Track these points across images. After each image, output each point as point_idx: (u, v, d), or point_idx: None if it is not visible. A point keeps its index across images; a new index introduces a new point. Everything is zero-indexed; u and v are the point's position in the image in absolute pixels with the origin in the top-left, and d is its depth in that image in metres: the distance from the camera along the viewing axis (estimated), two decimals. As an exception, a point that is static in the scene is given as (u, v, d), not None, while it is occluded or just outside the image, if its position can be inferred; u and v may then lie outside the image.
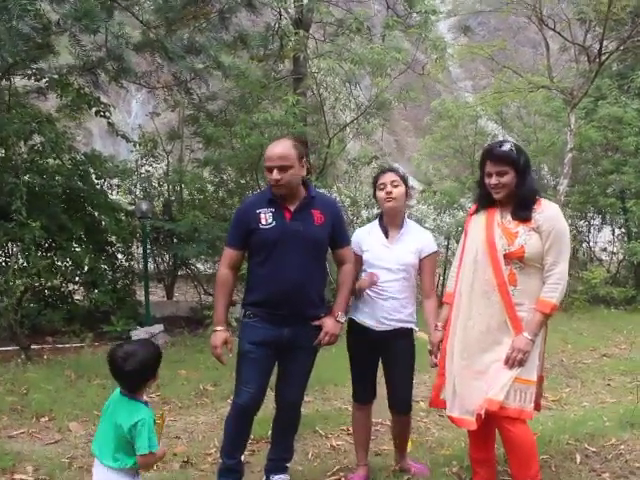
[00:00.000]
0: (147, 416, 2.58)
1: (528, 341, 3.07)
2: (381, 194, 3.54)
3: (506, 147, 3.20)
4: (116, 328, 7.65)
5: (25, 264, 7.70)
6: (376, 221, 3.69)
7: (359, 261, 3.59)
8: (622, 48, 11.30)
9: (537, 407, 3.31)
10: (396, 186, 3.51)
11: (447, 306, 3.43)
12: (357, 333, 3.56)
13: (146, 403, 2.69)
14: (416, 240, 3.57)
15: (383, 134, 12.62)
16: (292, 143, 3.35)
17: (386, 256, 3.49)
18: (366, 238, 3.60)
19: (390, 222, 3.59)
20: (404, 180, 3.59)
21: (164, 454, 2.79)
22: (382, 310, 3.47)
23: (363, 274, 3.59)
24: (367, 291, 3.50)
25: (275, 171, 3.23)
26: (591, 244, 12.89)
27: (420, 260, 3.56)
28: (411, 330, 3.58)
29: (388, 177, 3.54)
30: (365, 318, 3.51)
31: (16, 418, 4.67)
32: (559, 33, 11.41)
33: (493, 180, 3.19)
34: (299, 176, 3.31)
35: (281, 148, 3.29)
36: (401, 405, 3.64)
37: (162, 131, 10.54)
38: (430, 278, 3.61)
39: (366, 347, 3.53)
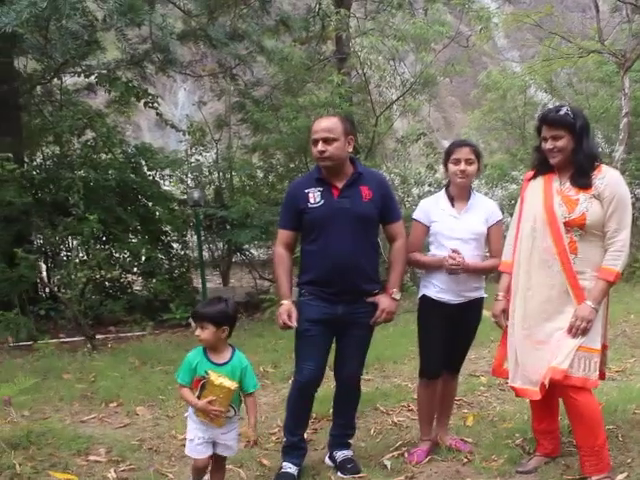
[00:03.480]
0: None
1: (592, 309, 3.01)
2: (454, 169, 3.48)
3: (562, 111, 3.13)
4: (175, 316, 7.83)
5: (85, 257, 7.96)
6: (442, 192, 3.64)
7: (424, 232, 3.57)
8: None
9: (602, 376, 3.25)
10: (471, 164, 3.47)
11: (506, 275, 3.37)
12: (431, 309, 3.52)
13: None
14: (483, 209, 3.55)
15: (430, 111, 12.46)
16: (339, 118, 3.36)
17: (457, 227, 3.46)
18: (434, 209, 3.56)
19: (458, 194, 3.55)
20: (478, 156, 3.54)
21: (197, 405, 2.90)
22: (457, 282, 3.44)
23: (432, 246, 3.57)
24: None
25: (320, 143, 3.25)
26: (651, 212, 12.46)
27: (488, 228, 3.52)
28: (482, 299, 3.57)
29: (464, 153, 3.47)
30: (440, 293, 3.47)
31: (86, 404, 4.83)
32: (609, -7, 11.02)
33: (549, 144, 3.12)
34: (344, 151, 3.30)
35: (327, 121, 3.31)
36: (455, 364, 3.67)
37: (209, 120, 10.67)
38: (498, 246, 3.55)
39: (440, 320, 3.49)
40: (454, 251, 3.39)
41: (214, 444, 2.98)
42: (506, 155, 12.58)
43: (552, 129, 3.11)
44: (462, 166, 3.44)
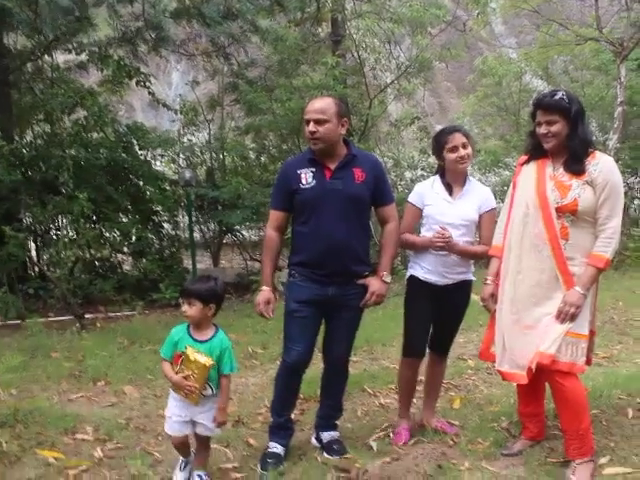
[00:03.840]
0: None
1: (580, 295, 3.01)
2: (453, 156, 3.46)
3: (557, 96, 3.10)
4: (165, 295, 7.82)
5: (74, 236, 7.92)
6: (437, 177, 3.63)
7: (418, 215, 3.57)
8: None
9: (588, 361, 3.27)
10: (466, 147, 3.47)
11: (495, 259, 3.37)
12: (418, 289, 3.53)
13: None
14: (477, 196, 3.55)
15: (425, 95, 12.41)
16: (333, 100, 3.33)
17: (449, 211, 3.47)
18: (429, 192, 3.55)
19: (454, 180, 3.54)
20: (469, 138, 3.54)
21: (172, 379, 2.94)
22: (444, 265, 3.46)
23: (423, 229, 3.57)
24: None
25: (312, 124, 3.23)
26: (643, 200, 12.53)
27: (480, 215, 3.52)
28: (470, 282, 3.59)
29: (458, 139, 3.46)
30: (427, 274, 3.49)
31: (74, 383, 4.82)
32: (608, -20, 10.96)
33: (542, 129, 3.11)
34: (337, 133, 3.27)
35: (320, 103, 3.28)
36: (442, 346, 3.70)
37: (202, 100, 10.59)
38: (489, 233, 3.55)
39: (426, 300, 3.51)
40: (442, 228, 3.39)
41: (194, 424, 2.99)
42: (500, 141, 12.56)
43: (547, 114, 3.09)
44: (461, 152, 3.44)
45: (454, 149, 3.45)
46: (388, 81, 9.77)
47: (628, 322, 6.71)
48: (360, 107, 9.76)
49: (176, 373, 2.90)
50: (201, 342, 2.93)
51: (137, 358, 5.47)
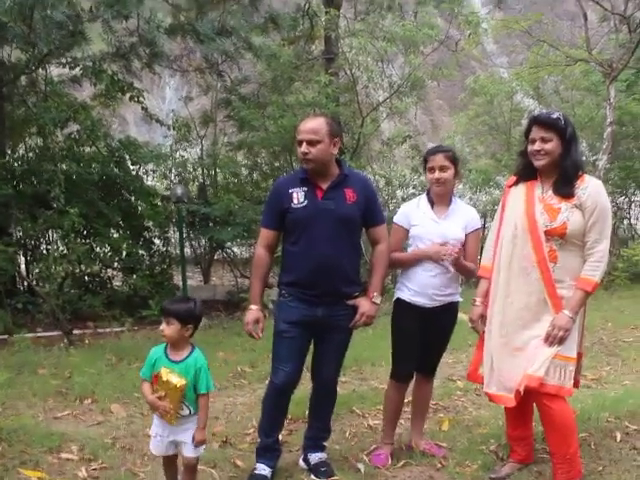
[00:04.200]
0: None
1: (569, 319, 3.02)
2: (429, 177, 3.52)
3: (555, 115, 3.14)
4: (154, 312, 7.76)
5: (65, 251, 7.88)
6: (423, 196, 3.65)
7: (405, 235, 3.58)
8: (664, 16, 10.93)
9: (576, 384, 3.27)
10: (445, 170, 3.47)
11: (484, 280, 3.38)
12: (405, 312, 3.53)
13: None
14: (463, 216, 3.57)
15: (418, 114, 12.49)
16: (325, 120, 3.33)
17: (436, 230, 3.47)
18: (415, 212, 3.57)
19: (438, 200, 3.56)
20: (454, 160, 3.53)
21: (147, 400, 2.98)
22: (432, 287, 3.46)
23: (409, 249, 3.58)
24: (417, 268, 3.49)
25: (304, 144, 3.23)
26: (632, 221, 12.60)
27: (465, 235, 3.54)
28: (457, 303, 3.60)
29: (437, 161, 3.48)
30: (414, 296, 3.49)
31: (61, 400, 4.77)
32: (597, 2, 11.07)
33: (536, 146, 3.11)
34: (329, 153, 3.28)
35: (312, 123, 3.28)
36: (429, 368, 3.70)
37: (196, 116, 10.61)
38: (474, 252, 3.57)
39: (414, 323, 3.50)
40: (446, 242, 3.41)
41: (177, 444, 2.98)
42: (491, 160, 12.63)
43: (543, 130, 3.11)
44: (436, 174, 3.46)
45: (431, 170, 3.49)
46: (381, 99, 9.82)
47: (617, 343, 6.72)
48: (352, 125, 9.80)
49: (153, 393, 2.91)
50: (176, 362, 2.92)
51: (125, 375, 5.42)
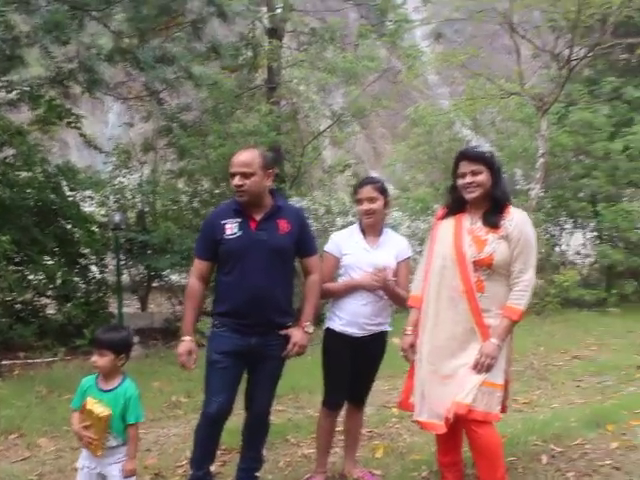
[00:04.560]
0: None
1: (496, 347, 3.10)
2: (359, 208, 3.59)
3: (481, 149, 3.28)
4: (88, 341, 7.59)
5: (-5, 278, 7.63)
6: (356, 225, 3.71)
7: (336, 264, 3.62)
8: (591, 54, 11.49)
9: (503, 409, 3.34)
10: (374, 201, 3.54)
11: (414, 310, 3.44)
12: (336, 341, 3.57)
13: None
14: (394, 245, 3.64)
15: (360, 142, 12.75)
16: (258, 152, 3.36)
17: (368, 260, 3.52)
18: (347, 241, 3.62)
19: (370, 231, 3.63)
20: (382, 191, 3.61)
21: (73, 429, 2.99)
22: (363, 316, 3.51)
23: (340, 278, 3.62)
24: (348, 298, 3.53)
25: (237, 177, 3.26)
26: (564, 247, 13.03)
27: (397, 264, 3.61)
28: (387, 333, 3.66)
29: (365, 192, 3.56)
30: (345, 326, 3.53)
31: (-16, 436, 4.61)
32: (529, 40, 11.57)
33: (467, 179, 3.20)
34: (263, 185, 3.32)
35: (245, 155, 3.31)
36: (359, 396, 3.73)
37: (138, 142, 10.50)
38: (405, 281, 3.64)
39: (345, 354, 3.55)
40: (379, 270, 3.45)
41: (105, 476, 2.93)
42: (430, 188, 12.90)
43: (473, 163, 3.21)
44: (365, 205, 3.54)
45: (360, 202, 3.56)
46: (322, 128, 9.94)
47: (547, 367, 6.92)
48: (294, 153, 9.90)
49: (81, 423, 2.87)
50: (106, 392, 2.90)
51: (55, 408, 5.27)
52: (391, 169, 15.53)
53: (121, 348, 2.91)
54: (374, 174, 20.52)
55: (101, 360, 2.87)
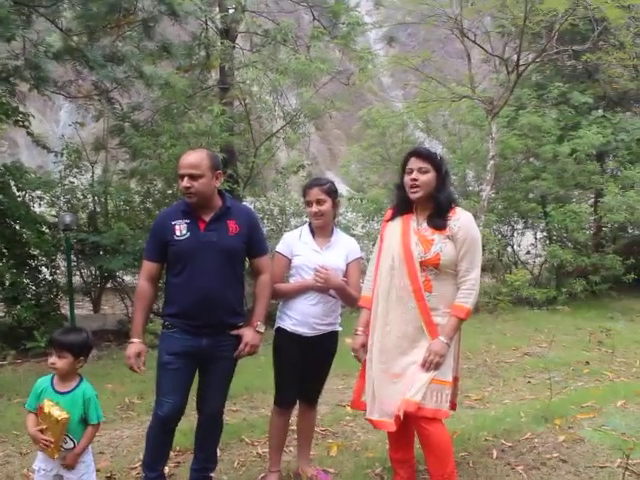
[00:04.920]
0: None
1: (444, 344, 3.17)
2: (309, 210, 3.63)
3: (432, 149, 3.36)
4: (40, 344, 7.41)
5: (-60, 281, 7.41)
6: (306, 226, 3.74)
7: (287, 264, 3.64)
8: (538, 60, 11.78)
9: (452, 406, 3.43)
10: (322, 203, 3.58)
11: (365, 310, 3.50)
12: (286, 341, 3.60)
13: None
14: (344, 246, 3.69)
15: (315, 143, 12.78)
16: (206, 153, 3.37)
17: (318, 261, 3.55)
18: (297, 242, 3.65)
19: (320, 232, 3.66)
20: (330, 193, 3.64)
21: (28, 432, 2.93)
22: (313, 316, 3.54)
23: (292, 279, 3.64)
24: (298, 297, 3.56)
25: (186, 179, 3.26)
26: (515, 248, 13.32)
27: (347, 264, 3.65)
28: (337, 333, 3.71)
29: (314, 194, 3.59)
30: (296, 326, 3.56)
31: None
32: (479, 45, 11.78)
33: (413, 175, 3.27)
34: (211, 186, 3.33)
35: (193, 157, 3.31)
36: (311, 395, 3.77)
37: (89, 141, 10.30)
38: (356, 281, 3.69)
39: (295, 353, 3.58)
40: (321, 267, 3.47)
41: (61, 478, 2.90)
42: (384, 190, 13.02)
43: (421, 161, 3.28)
44: (314, 208, 3.58)
45: (309, 204, 3.61)
46: (275, 129, 9.94)
47: (499, 364, 7.08)
48: (247, 154, 9.87)
49: (37, 425, 2.83)
50: (63, 394, 2.87)
51: (3, 413, 5.16)
52: (346, 170, 15.62)
53: (81, 350, 2.90)
54: (330, 175, 20.65)
55: (60, 362, 2.85)
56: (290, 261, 3.64)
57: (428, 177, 3.27)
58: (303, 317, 3.55)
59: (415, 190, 3.29)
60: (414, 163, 3.30)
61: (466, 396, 5.57)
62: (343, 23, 10.51)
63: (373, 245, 11.50)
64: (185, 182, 3.26)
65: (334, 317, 3.65)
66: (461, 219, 3.28)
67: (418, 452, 3.67)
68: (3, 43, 7.14)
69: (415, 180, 3.27)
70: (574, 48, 11.71)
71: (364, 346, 3.44)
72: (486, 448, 4.16)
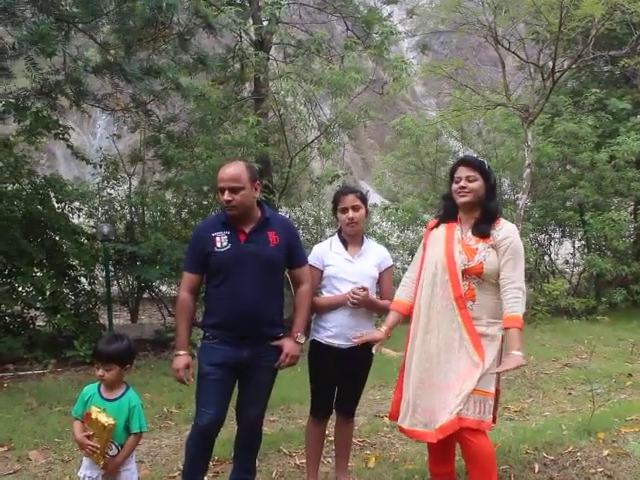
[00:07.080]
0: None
1: (520, 357, 3.09)
2: (343, 217, 3.60)
3: (481, 159, 3.37)
4: (79, 353, 7.54)
5: (-17, 291, 7.57)
6: (335, 236, 3.73)
7: (319, 276, 3.63)
8: (574, 66, 11.62)
9: (493, 419, 3.37)
10: (358, 210, 3.57)
11: (394, 312, 3.49)
12: (322, 353, 3.58)
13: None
14: (376, 255, 3.67)
15: (349, 153, 12.77)
16: (245, 165, 3.37)
17: (351, 270, 3.55)
18: (328, 253, 3.64)
19: (351, 240, 3.65)
20: (364, 200, 3.65)
21: (74, 438, 2.96)
22: (348, 327, 3.51)
23: (324, 290, 3.62)
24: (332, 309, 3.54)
25: (227, 192, 3.27)
26: (552, 257, 13.12)
27: (379, 274, 3.62)
28: (372, 344, 3.62)
29: (349, 201, 3.58)
30: (331, 338, 3.54)
31: (-26, 449, 4.57)
32: (514, 52, 11.68)
33: (462, 183, 3.27)
34: (252, 198, 3.34)
35: (232, 170, 3.31)
36: (347, 408, 3.73)
37: (126, 153, 10.48)
38: (389, 289, 3.68)
39: (331, 365, 3.56)
40: (360, 288, 3.45)
41: None
42: (418, 199, 12.96)
43: (470, 169, 3.28)
44: (350, 214, 3.56)
45: (344, 210, 3.58)
46: (309, 139, 9.97)
47: (539, 375, 6.96)
48: (282, 165, 9.92)
49: (84, 432, 2.86)
50: (110, 401, 2.91)
51: (45, 420, 5.23)
52: (380, 180, 15.60)
53: (126, 359, 2.95)
54: (363, 184, 20.61)
55: (108, 374, 2.90)
56: (322, 272, 3.62)
57: (477, 185, 3.27)
58: (340, 329, 3.53)
59: (464, 194, 3.27)
60: (462, 172, 3.30)
61: (505, 408, 5.49)
62: (376, 33, 10.51)
63: (408, 255, 11.53)
64: (226, 195, 3.27)
65: (369, 328, 3.61)
66: (504, 228, 3.27)
67: (459, 465, 3.63)
68: (45, 59, 7.28)
69: (463, 187, 3.26)
70: (611, 53, 11.53)
71: (380, 343, 3.44)
72: (527, 461, 4.08)
